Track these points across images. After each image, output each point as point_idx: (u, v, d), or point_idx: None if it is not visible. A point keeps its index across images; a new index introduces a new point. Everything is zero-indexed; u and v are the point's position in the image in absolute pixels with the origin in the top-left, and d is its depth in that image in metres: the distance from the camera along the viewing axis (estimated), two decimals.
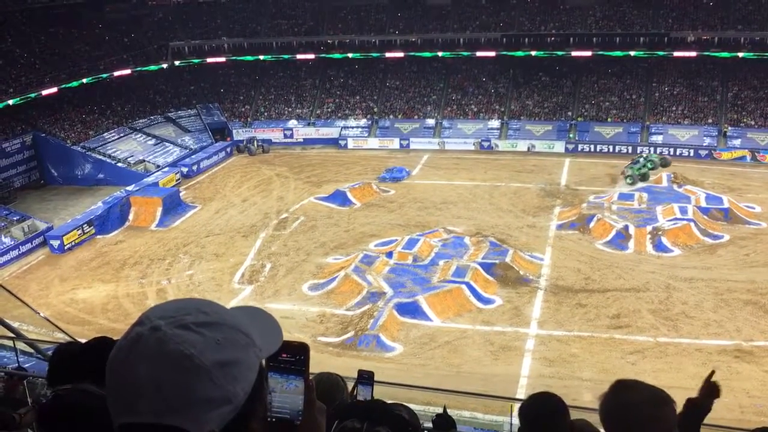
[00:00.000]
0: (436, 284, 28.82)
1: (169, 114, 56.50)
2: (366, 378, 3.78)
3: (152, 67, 56.23)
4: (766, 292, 27.97)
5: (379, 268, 30.43)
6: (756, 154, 46.87)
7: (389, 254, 31.97)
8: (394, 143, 53.78)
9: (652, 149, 45.44)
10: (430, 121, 55.42)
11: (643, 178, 39.33)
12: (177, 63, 58.06)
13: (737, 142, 48.51)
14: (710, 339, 24.81)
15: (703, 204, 37.09)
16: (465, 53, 56.24)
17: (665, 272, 30.24)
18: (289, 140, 55.84)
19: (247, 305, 1.60)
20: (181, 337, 1.30)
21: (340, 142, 54.88)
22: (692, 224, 34.22)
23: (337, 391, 3.82)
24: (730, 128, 49.36)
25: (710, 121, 50.46)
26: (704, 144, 48.84)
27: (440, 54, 56.76)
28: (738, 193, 39.76)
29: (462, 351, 24.69)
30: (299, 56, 58.58)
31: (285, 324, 26.44)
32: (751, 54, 50.07)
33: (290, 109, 58.71)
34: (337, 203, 40.59)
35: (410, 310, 26.97)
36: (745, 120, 49.87)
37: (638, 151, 44.40)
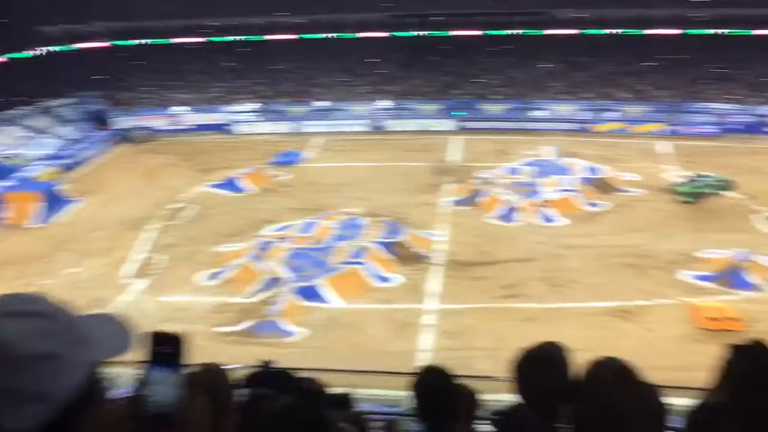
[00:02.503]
0: (336, 266, 28.88)
1: (45, 104, 53.17)
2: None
3: (22, 55, 52.71)
4: (645, 255, 29.90)
5: (276, 254, 30.15)
6: (629, 125, 49.73)
7: (286, 239, 31.73)
8: (287, 127, 53.15)
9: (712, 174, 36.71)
10: (322, 104, 55.13)
11: (698, 196, 34.92)
12: (49, 49, 54.68)
13: (612, 114, 51.27)
14: (595, 302, 26.26)
15: (585, 175, 39.15)
16: (355, 34, 56.20)
17: (553, 241, 31.70)
18: (175, 127, 53.99)
19: (98, 313, 1.52)
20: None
21: (229, 127, 53.61)
22: (575, 194, 36.07)
23: (222, 381, 3.73)
24: (605, 102, 52.05)
25: (587, 95, 52.99)
26: (583, 118, 51.29)
27: (331, 35, 56.43)
28: (615, 163, 42.08)
29: (362, 330, 24.93)
30: (183, 40, 56.59)
31: (181, 317, 25.79)
32: (623, 30, 52.91)
33: (176, 95, 56.71)
34: (230, 190, 39.78)
35: (310, 293, 26.94)
36: (618, 94, 52.68)
37: (696, 175, 36.39)
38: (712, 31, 51.58)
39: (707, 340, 22.60)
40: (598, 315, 25.34)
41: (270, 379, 2.91)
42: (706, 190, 33.74)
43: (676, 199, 34.62)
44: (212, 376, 3.62)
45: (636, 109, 51.12)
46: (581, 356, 3.58)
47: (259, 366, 3.80)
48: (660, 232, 32.28)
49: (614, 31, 52.96)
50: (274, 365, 3.95)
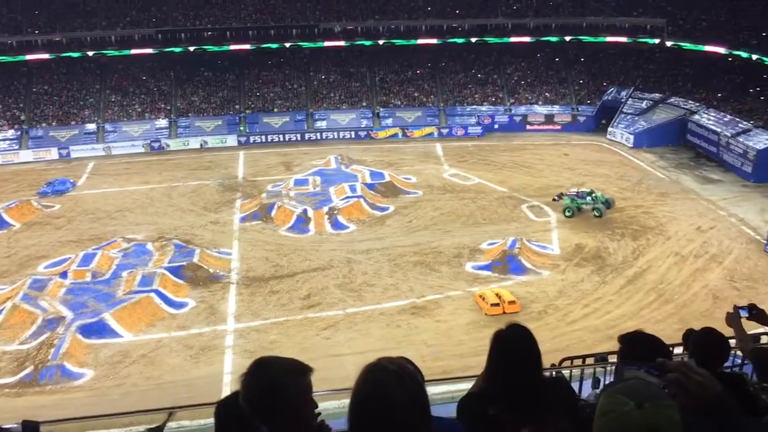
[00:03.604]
0: (123, 297, 27.06)
1: None
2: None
3: None
4: (429, 252, 31.70)
5: (53, 292, 27.52)
6: (405, 130, 52.48)
7: (64, 274, 29.10)
8: (52, 153, 48.78)
9: (591, 191, 36.37)
10: (91, 126, 51.43)
11: (577, 210, 35.43)
12: None
13: (389, 121, 53.77)
14: (390, 302, 27.33)
15: (369, 180, 40.59)
16: (119, 52, 53.20)
17: (345, 248, 32.44)
18: None
19: None
20: None
21: None
22: (362, 200, 37.23)
23: None
24: (381, 109, 54.43)
25: (364, 104, 55.06)
26: (362, 125, 53.19)
27: (90, 53, 52.86)
28: (396, 167, 44.17)
29: (160, 361, 23.59)
30: None
31: None
32: (389, 41, 55.71)
33: None
34: None
35: (96, 330, 24.94)
36: (393, 101, 55.37)
37: (581, 191, 36.06)
38: (473, 40, 55.96)
39: (492, 325, 24.42)
40: (395, 314, 26.38)
41: None
42: (584, 207, 35.33)
43: (562, 209, 35.72)
44: None
45: (410, 115, 54.04)
46: (383, 354, 3.61)
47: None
48: (443, 230, 34.43)
49: (383, 42, 55.51)
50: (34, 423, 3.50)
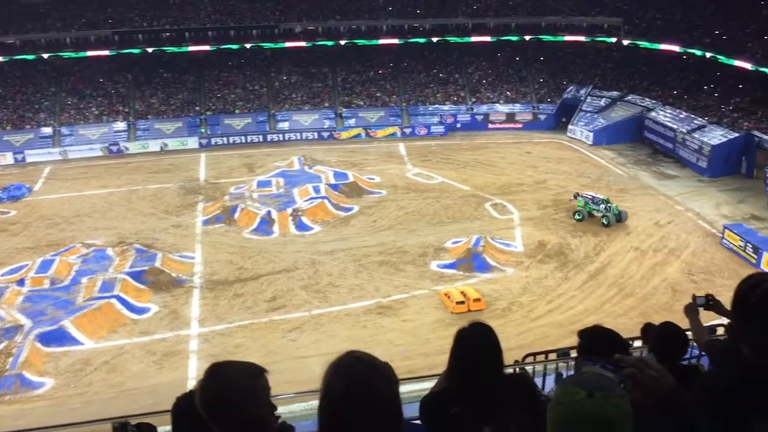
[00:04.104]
0: (83, 304, 26.53)
1: None
2: None
3: None
4: (394, 251, 31.76)
5: (10, 300, 26.91)
6: (368, 131, 52.47)
7: (21, 282, 28.46)
8: (7, 158, 47.55)
9: (607, 199, 35.22)
10: (47, 130, 50.31)
11: (588, 216, 34.64)
12: None
13: (352, 121, 53.68)
14: (356, 302, 27.31)
15: (333, 181, 40.49)
16: (75, 54, 52.20)
17: (310, 249, 32.31)
18: None
19: None
20: None
21: None
22: (326, 201, 37.12)
23: None
24: (344, 110, 54.32)
25: (327, 104, 54.88)
26: (325, 126, 53.00)
27: (45, 55, 51.77)
28: (360, 167, 44.15)
29: (122, 368, 23.22)
30: None
31: None
32: (351, 41, 55.66)
33: None
34: None
35: (56, 337, 24.44)
36: (355, 101, 55.32)
37: (597, 198, 34.97)
38: (434, 39, 56.27)
39: (458, 323, 24.53)
40: (361, 314, 26.37)
41: None
42: (596, 214, 34.36)
43: (573, 211, 35.19)
44: None
45: (373, 115, 54.05)
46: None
47: None
48: (407, 229, 34.52)
49: (344, 42, 55.43)
50: None
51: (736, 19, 48.13)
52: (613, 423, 1.92)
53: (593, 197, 35.21)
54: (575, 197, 35.69)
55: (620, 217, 34.57)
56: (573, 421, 1.93)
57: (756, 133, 41.99)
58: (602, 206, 34.46)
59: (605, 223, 34.10)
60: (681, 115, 47.48)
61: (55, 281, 28.52)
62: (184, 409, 3.41)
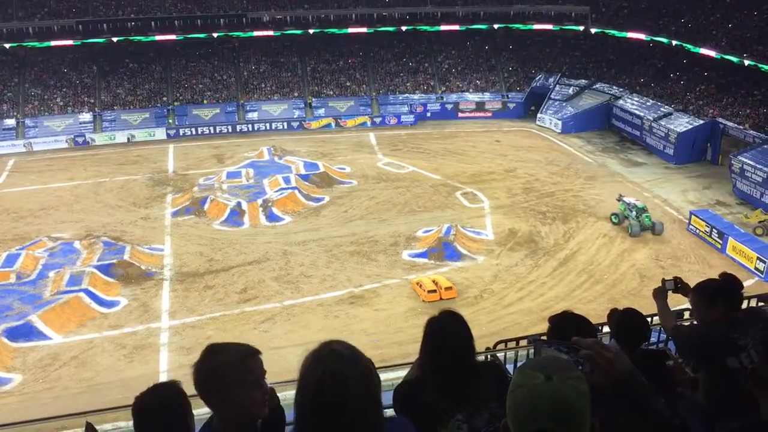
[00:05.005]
0: (50, 298, 26.13)
1: None
2: None
3: None
4: (365, 242, 31.76)
5: None
6: (338, 120, 52.25)
7: None
8: None
9: (644, 207, 33.48)
10: (10, 122, 49.20)
11: (624, 220, 33.35)
12: None
13: (322, 111, 53.39)
14: (328, 292, 27.27)
15: (303, 171, 40.31)
16: (39, 43, 51.09)
17: (281, 240, 32.17)
18: None
19: None
20: None
21: None
22: (296, 191, 36.96)
23: None
24: (314, 99, 54.00)
25: (296, 94, 54.49)
26: (295, 116, 52.64)
27: (7, 45, 50.61)
28: (330, 157, 43.99)
29: (92, 362, 22.92)
30: None
31: None
32: (320, 30, 55.24)
33: None
34: None
35: (23, 332, 24.04)
36: (325, 91, 55.01)
37: (637, 204, 33.43)
38: (403, 28, 56.10)
39: (430, 311, 24.59)
40: (333, 304, 26.36)
41: None
42: (631, 220, 32.64)
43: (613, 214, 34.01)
44: None
45: (342, 104, 53.82)
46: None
47: None
48: (378, 219, 34.54)
49: (313, 31, 54.98)
50: None
51: (701, 7, 48.86)
52: (572, 405, 1.94)
53: (631, 203, 33.71)
54: (619, 199, 34.46)
55: (654, 229, 32.45)
56: (532, 404, 1.94)
57: (720, 120, 42.77)
58: (633, 213, 33.01)
59: (630, 231, 32.48)
60: (648, 103, 48.10)
61: (21, 275, 28.02)
62: (144, 407, 3.39)
